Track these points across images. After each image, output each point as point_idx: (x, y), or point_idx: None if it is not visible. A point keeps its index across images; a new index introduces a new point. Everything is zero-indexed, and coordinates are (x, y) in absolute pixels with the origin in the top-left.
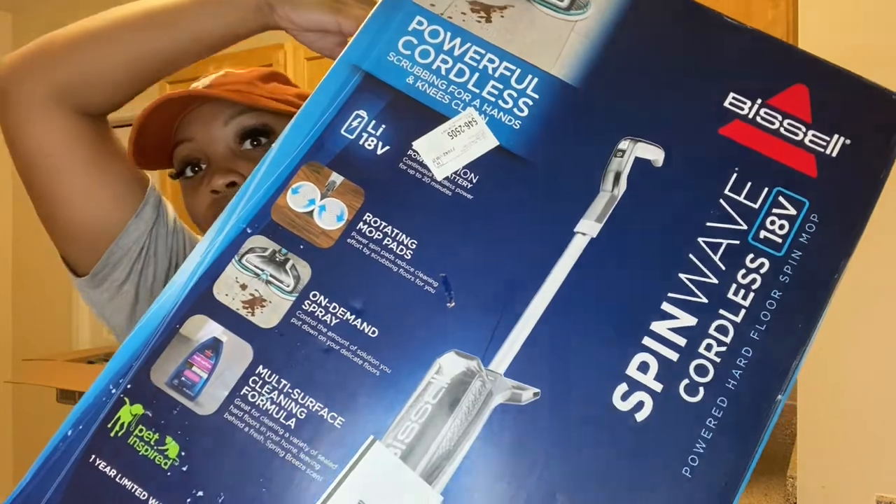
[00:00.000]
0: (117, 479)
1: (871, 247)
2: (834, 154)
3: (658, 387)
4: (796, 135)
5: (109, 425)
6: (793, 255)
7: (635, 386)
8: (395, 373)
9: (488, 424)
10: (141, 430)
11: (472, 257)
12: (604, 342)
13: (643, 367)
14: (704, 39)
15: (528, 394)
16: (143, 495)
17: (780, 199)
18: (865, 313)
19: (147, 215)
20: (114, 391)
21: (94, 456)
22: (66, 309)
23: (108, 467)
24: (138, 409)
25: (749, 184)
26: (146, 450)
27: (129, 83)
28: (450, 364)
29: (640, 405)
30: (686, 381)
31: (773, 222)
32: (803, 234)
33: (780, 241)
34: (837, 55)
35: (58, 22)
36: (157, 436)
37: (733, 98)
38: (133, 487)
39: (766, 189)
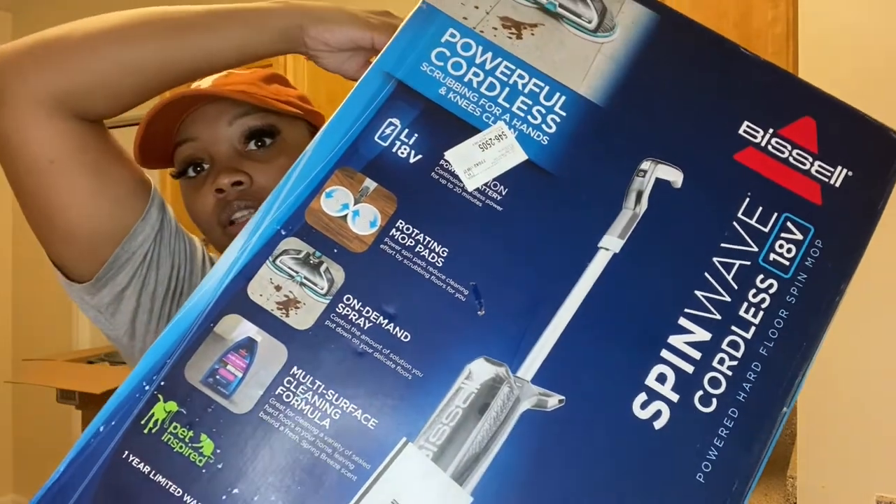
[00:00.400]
0: (151, 476)
1: (871, 247)
2: (837, 184)
3: (675, 397)
4: (804, 164)
5: (143, 422)
6: (799, 277)
7: (654, 395)
8: (427, 377)
9: (516, 429)
10: (175, 428)
11: (501, 267)
12: (624, 353)
13: (661, 378)
14: (722, 69)
15: (554, 400)
16: (178, 492)
17: (788, 224)
18: (865, 314)
19: (153, 218)
20: (147, 388)
21: (126, 452)
22: (66, 309)
23: (142, 464)
24: (172, 406)
25: (760, 208)
26: (180, 447)
27: (135, 93)
28: (480, 370)
29: (658, 414)
30: (701, 392)
31: (781, 246)
32: (808, 259)
33: (787, 263)
34: (837, 55)
35: (58, 22)
36: (191, 433)
37: (747, 126)
38: (168, 484)
39: (775, 214)
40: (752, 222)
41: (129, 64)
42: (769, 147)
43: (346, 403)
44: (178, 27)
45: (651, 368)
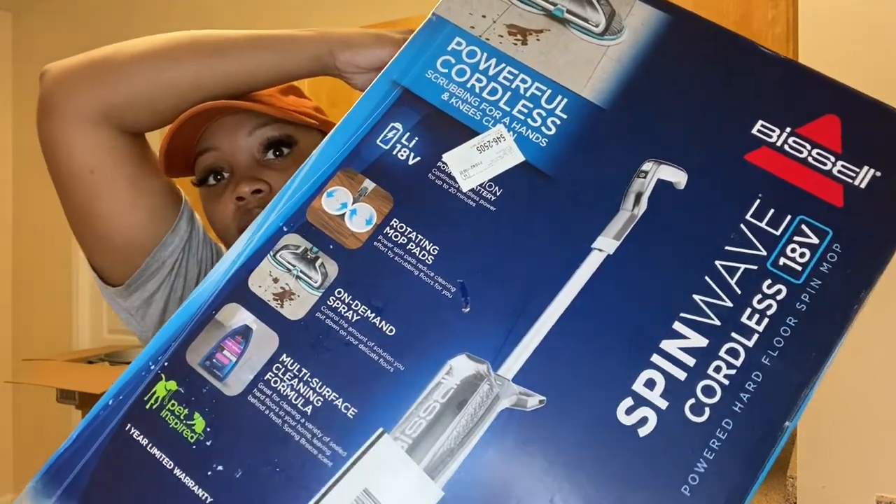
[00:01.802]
0: (148, 448)
1: None
2: (863, 185)
3: (663, 404)
4: (825, 164)
5: (146, 398)
6: (812, 283)
7: (640, 401)
8: (409, 370)
9: (493, 427)
10: (173, 405)
11: (490, 266)
12: (613, 356)
13: (650, 384)
14: (737, 67)
15: (534, 400)
16: (170, 465)
17: (803, 227)
18: (865, 313)
19: (182, 230)
20: (153, 367)
21: (129, 425)
22: (66, 309)
23: (142, 436)
24: (172, 385)
25: (772, 210)
26: (176, 423)
27: (173, 110)
28: (460, 366)
29: (643, 420)
30: (692, 401)
31: (793, 250)
32: (824, 264)
33: (799, 268)
34: (837, 55)
35: (58, 22)
36: (186, 411)
37: (762, 125)
38: (161, 457)
39: (788, 216)
40: (762, 225)
41: (169, 83)
42: (785, 147)
43: (328, 391)
44: (217, 51)
45: (640, 373)
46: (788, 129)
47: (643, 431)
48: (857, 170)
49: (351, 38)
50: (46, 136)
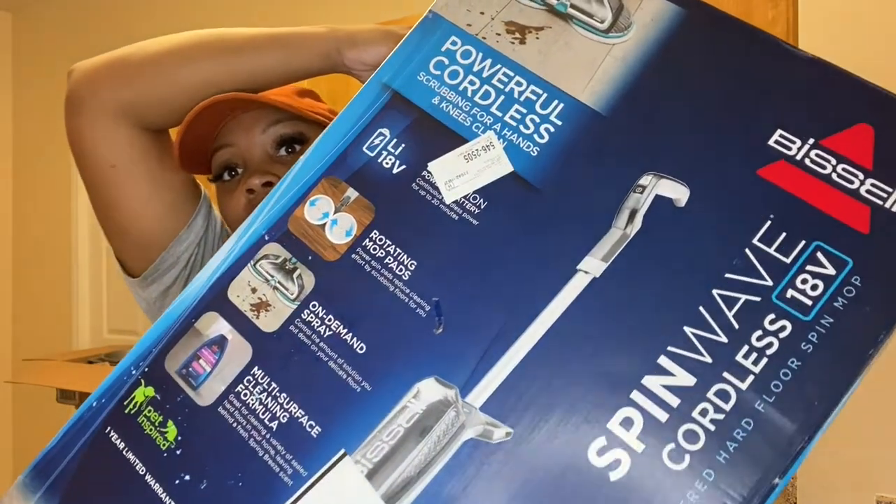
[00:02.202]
0: (124, 452)
1: None
2: (894, 209)
3: (639, 447)
4: (851, 182)
5: (126, 402)
6: (822, 320)
7: (614, 442)
8: (375, 391)
9: (456, 456)
10: (149, 411)
11: (468, 285)
12: (589, 390)
13: (626, 423)
14: (756, 67)
15: (501, 432)
16: (142, 470)
17: (819, 255)
18: None
19: (198, 224)
20: (134, 372)
21: (109, 427)
22: (66, 309)
23: (119, 440)
24: (150, 391)
25: (783, 234)
26: (150, 429)
27: (189, 107)
28: (428, 390)
29: (616, 463)
30: (671, 446)
31: (805, 281)
32: (839, 299)
33: (809, 303)
34: (837, 55)
35: (58, 22)
36: (161, 418)
37: (780, 135)
38: (135, 462)
39: (802, 242)
40: (771, 251)
41: (184, 82)
42: (806, 161)
43: (294, 408)
44: (229, 50)
45: (617, 411)
46: (812, 141)
47: (614, 475)
48: (890, 190)
49: (358, 35)
50: (72, 132)
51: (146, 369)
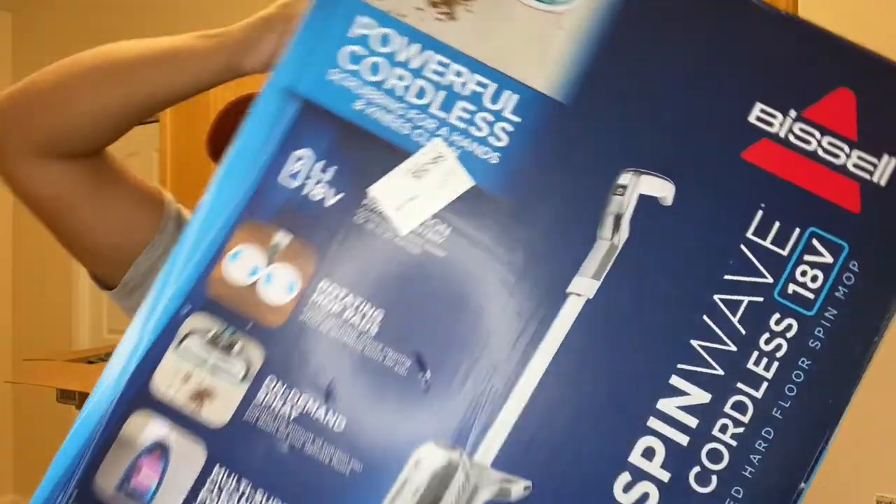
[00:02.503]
0: None
1: None
2: (882, 182)
3: (665, 476)
4: (837, 157)
5: None
6: (826, 314)
7: (639, 475)
8: (368, 469)
9: None
10: None
11: (448, 328)
12: (604, 425)
13: (648, 454)
14: (728, 32)
15: (519, 487)
16: None
17: (814, 242)
18: None
19: (170, 230)
20: (61, 499)
21: None
22: (66, 309)
23: None
24: None
25: (777, 224)
26: None
27: (107, 131)
28: (429, 456)
29: (644, 497)
30: (697, 469)
31: (804, 273)
32: (840, 288)
33: (811, 296)
34: None
35: (58, 22)
36: None
37: (761, 111)
38: None
39: (797, 230)
40: (767, 244)
41: (89, 110)
42: (790, 137)
43: None
44: (121, 75)
45: (636, 442)
46: (793, 114)
47: None
48: (876, 161)
49: (245, 37)
50: (3, 176)
51: (75, 492)
